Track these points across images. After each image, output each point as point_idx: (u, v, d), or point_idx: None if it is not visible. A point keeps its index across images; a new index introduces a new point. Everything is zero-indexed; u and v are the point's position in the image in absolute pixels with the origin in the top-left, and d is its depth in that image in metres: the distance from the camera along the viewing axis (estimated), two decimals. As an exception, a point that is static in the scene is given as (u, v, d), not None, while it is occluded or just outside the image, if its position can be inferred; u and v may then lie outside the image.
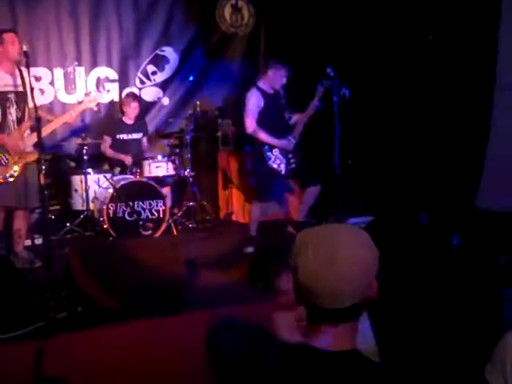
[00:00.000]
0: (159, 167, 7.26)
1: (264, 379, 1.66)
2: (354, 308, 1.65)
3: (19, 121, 5.85)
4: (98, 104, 6.53)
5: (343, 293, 1.61)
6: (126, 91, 8.04)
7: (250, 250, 6.39)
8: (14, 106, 5.84)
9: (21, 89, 5.80)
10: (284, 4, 8.16)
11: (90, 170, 7.09)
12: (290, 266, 1.72)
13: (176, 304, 4.84)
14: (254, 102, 6.33)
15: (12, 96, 5.83)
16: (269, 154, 6.34)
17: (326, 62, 6.46)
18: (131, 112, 7.49)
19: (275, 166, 6.36)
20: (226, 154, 8.13)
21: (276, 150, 6.35)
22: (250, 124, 6.33)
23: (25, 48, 5.16)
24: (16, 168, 5.78)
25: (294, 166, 6.44)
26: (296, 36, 7.91)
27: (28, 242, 6.33)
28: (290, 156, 6.41)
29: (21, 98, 5.85)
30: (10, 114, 5.84)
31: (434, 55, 6.58)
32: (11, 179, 5.77)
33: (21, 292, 4.81)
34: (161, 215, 6.92)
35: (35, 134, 5.44)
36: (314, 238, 1.67)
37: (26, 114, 5.91)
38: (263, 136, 6.30)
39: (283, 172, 6.40)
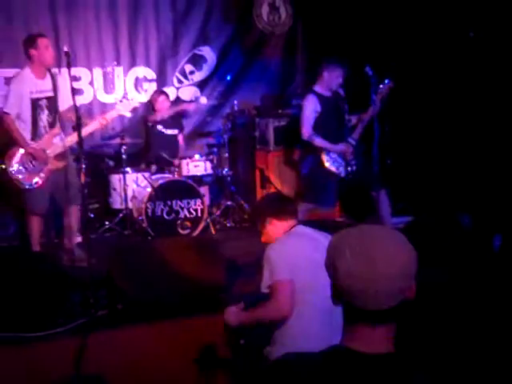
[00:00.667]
0: (197, 166, 7.28)
1: (301, 380, 1.64)
2: (393, 310, 1.62)
3: (50, 126, 5.89)
4: (134, 109, 6.53)
5: (383, 293, 1.59)
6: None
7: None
8: (46, 112, 5.87)
9: (52, 94, 5.84)
10: (321, 2, 8.12)
11: (128, 169, 7.12)
12: (325, 266, 1.70)
13: (214, 303, 4.83)
14: (310, 108, 6.28)
15: (43, 102, 5.86)
16: (326, 157, 6.27)
17: (364, 60, 6.41)
18: (160, 107, 7.52)
19: (333, 168, 6.28)
20: (264, 152, 8.11)
21: (333, 153, 6.30)
22: (306, 131, 6.28)
23: (66, 49, 5.21)
24: (42, 175, 5.82)
25: (354, 168, 6.36)
26: (334, 34, 7.86)
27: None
28: (350, 158, 6.33)
29: (52, 103, 5.88)
30: (41, 120, 5.88)
31: (476, 53, 6.49)
32: (36, 186, 5.81)
33: (62, 289, 4.84)
34: (199, 214, 6.93)
35: (74, 135, 5.50)
36: (351, 239, 1.65)
37: (57, 119, 5.94)
38: (319, 141, 6.25)
39: (343, 174, 6.31)
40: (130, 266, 4.88)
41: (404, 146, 7.30)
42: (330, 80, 6.30)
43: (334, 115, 6.36)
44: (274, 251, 3.42)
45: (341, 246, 1.65)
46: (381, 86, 6.16)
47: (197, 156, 7.37)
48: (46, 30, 7.49)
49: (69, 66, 5.18)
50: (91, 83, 7.82)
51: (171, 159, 7.17)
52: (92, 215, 7.08)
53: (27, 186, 5.80)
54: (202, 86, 8.40)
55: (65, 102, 5.85)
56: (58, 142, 5.89)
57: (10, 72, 7.40)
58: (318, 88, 6.36)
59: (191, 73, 8.36)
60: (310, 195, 6.48)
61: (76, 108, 5.16)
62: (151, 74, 8.15)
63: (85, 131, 5.68)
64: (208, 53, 8.39)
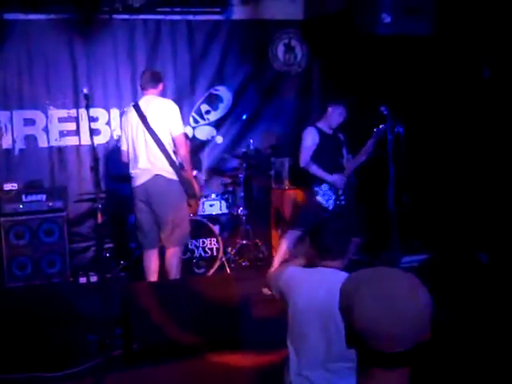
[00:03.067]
0: (213, 205, 7.30)
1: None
2: (410, 353, 1.61)
3: None
4: None
5: (401, 336, 1.58)
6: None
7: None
8: None
9: None
10: (337, 43, 8.19)
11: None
12: (340, 308, 1.69)
13: (230, 342, 4.81)
14: (309, 139, 6.36)
15: None
16: (317, 188, 6.32)
17: (379, 100, 6.44)
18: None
19: (323, 201, 6.31)
20: (279, 192, 8.12)
21: (325, 185, 6.31)
22: (304, 158, 6.34)
23: (85, 91, 5.28)
24: None
25: (343, 203, 6.38)
26: (349, 74, 7.92)
27: (83, 280, 6.41)
28: (340, 193, 6.35)
29: None
30: None
31: (491, 93, 6.51)
32: None
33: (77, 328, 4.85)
34: (214, 253, 6.94)
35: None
36: (369, 280, 1.65)
37: None
38: (314, 169, 6.30)
39: (330, 208, 6.33)
40: (146, 305, 4.87)
41: (419, 183, 7.28)
42: (333, 117, 6.39)
43: (331, 152, 6.42)
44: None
45: (358, 288, 1.64)
46: (375, 129, 6.18)
47: (212, 195, 7.40)
48: (65, 71, 7.65)
49: (87, 108, 5.25)
50: (108, 123, 7.90)
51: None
52: (107, 254, 7.10)
53: None
54: (217, 125, 8.47)
55: None
56: None
57: (29, 113, 7.56)
58: (319, 124, 6.46)
59: (207, 112, 8.43)
60: (298, 222, 6.54)
61: (94, 148, 5.23)
62: (168, 113, 8.21)
63: None
64: (224, 92, 8.47)
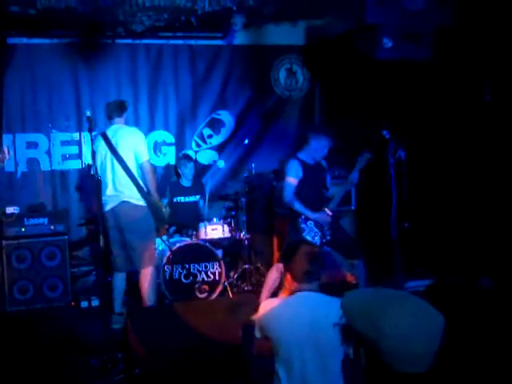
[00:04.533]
0: (215, 230, 7.27)
1: None
2: (430, 373, 1.60)
3: None
4: None
5: (426, 355, 1.57)
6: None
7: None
8: None
9: None
10: (338, 67, 8.24)
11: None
12: (360, 332, 1.67)
13: (232, 367, 4.77)
14: (292, 173, 6.23)
15: None
16: (303, 225, 6.22)
17: (380, 124, 6.45)
18: (188, 173, 7.57)
19: (309, 238, 6.23)
20: (282, 216, 8.10)
21: (311, 221, 6.24)
22: (287, 194, 6.23)
23: (88, 114, 5.33)
24: None
25: (329, 238, 6.30)
26: (351, 97, 7.95)
27: (85, 304, 6.38)
28: (326, 228, 6.27)
29: None
30: None
31: (492, 117, 6.53)
32: None
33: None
34: (217, 277, 6.91)
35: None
36: (393, 301, 1.63)
37: None
38: (298, 207, 6.20)
39: (317, 244, 6.27)
40: (147, 330, 4.85)
41: (421, 208, 7.27)
42: (317, 150, 6.25)
43: (314, 184, 6.32)
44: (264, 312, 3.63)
45: (385, 310, 1.62)
46: (358, 157, 6.13)
47: (215, 219, 7.38)
48: (68, 95, 7.69)
49: (90, 131, 5.29)
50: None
51: (191, 226, 7.20)
52: (109, 278, 7.07)
53: None
54: (219, 149, 8.49)
55: None
56: None
57: (32, 137, 7.58)
58: (301, 155, 6.32)
59: (209, 136, 8.46)
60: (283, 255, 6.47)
61: (96, 171, 5.26)
62: (170, 137, 8.26)
63: None
64: (226, 117, 8.51)
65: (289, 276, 3.61)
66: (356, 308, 1.68)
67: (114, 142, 6.06)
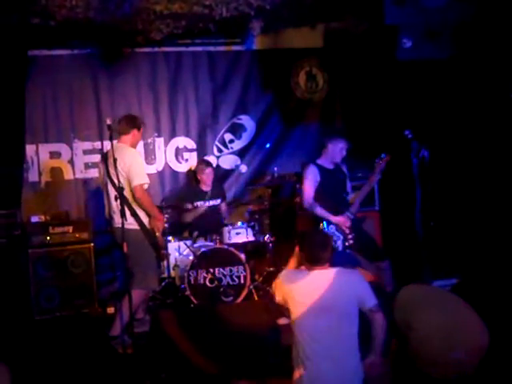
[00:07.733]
0: (239, 234, 7.28)
1: None
2: (462, 380, 1.56)
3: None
4: None
5: (462, 362, 1.54)
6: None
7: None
8: None
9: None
10: (358, 69, 8.22)
11: (170, 238, 7.18)
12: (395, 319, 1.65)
13: (258, 370, 4.77)
14: (311, 178, 6.29)
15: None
16: (325, 229, 6.22)
17: (402, 124, 6.41)
18: (206, 178, 7.59)
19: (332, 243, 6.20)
20: (305, 219, 8.08)
21: (332, 226, 6.23)
22: (307, 199, 6.28)
23: (108, 121, 5.32)
24: None
25: (351, 242, 6.28)
26: (371, 98, 7.92)
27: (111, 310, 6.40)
28: (348, 232, 6.27)
29: None
30: None
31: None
32: None
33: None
34: (241, 281, 6.90)
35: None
36: (434, 300, 1.60)
37: None
38: (319, 211, 6.23)
39: (340, 248, 6.25)
40: (173, 333, 4.86)
41: (446, 207, 7.21)
42: (334, 152, 6.33)
43: (334, 188, 6.36)
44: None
45: (420, 308, 1.60)
46: (377, 160, 6.14)
47: (239, 223, 7.38)
48: (89, 104, 7.75)
49: (111, 139, 5.30)
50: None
51: (214, 230, 7.21)
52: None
53: None
54: (241, 154, 8.50)
55: None
56: None
57: (54, 146, 7.65)
58: (320, 161, 6.39)
59: (231, 141, 8.47)
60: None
61: (118, 179, 5.29)
62: (191, 143, 8.29)
63: None
64: (247, 121, 8.51)
65: (304, 256, 4.09)
66: (400, 300, 1.66)
67: (110, 164, 5.71)
